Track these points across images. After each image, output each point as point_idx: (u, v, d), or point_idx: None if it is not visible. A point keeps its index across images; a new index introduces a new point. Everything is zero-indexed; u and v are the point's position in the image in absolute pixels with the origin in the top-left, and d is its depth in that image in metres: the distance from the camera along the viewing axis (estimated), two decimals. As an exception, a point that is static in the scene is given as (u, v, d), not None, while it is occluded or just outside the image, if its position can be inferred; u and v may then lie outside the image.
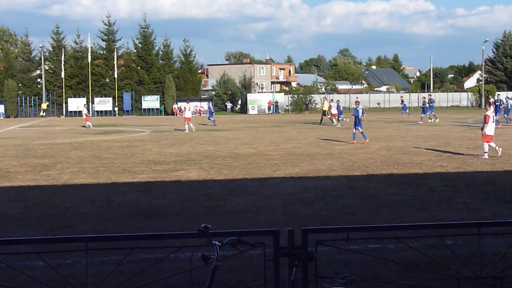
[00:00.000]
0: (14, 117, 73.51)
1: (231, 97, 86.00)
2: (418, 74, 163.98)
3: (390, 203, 12.16)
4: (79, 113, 75.27)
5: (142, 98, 78.27)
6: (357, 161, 19.38)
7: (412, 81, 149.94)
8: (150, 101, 78.09)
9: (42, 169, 18.32)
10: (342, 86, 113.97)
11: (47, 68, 79.83)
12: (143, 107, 78.24)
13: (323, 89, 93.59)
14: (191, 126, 38.57)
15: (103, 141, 30.85)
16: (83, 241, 4.12)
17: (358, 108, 28.39)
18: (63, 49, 78.02)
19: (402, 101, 59.75)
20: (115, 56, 78.28)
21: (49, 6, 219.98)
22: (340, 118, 43.81)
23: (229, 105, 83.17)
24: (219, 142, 28.56)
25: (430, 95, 50.35)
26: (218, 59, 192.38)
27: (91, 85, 77.37)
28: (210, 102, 59.56)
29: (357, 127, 27.49)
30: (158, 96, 78.16)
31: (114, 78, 78.21)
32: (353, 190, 13.76)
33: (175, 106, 76.22)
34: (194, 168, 18.17)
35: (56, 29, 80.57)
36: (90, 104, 74.21)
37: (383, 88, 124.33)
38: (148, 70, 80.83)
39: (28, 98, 77.01)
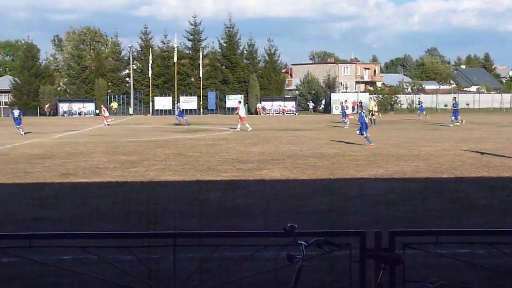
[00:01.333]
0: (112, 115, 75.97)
1: (315, 97, 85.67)
2: (511, 73, 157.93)
3: (480, 207, 11.78)
4: (165, 111, 77.15)
5: (226, 97, 79.20)
6: (445, 163, 18.88)
7: (504, 81, 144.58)
8: (234, 100, 78.80)
9: (129, 166, 18.84)
10: (429, 86, 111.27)
11: (135, 67, 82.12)
12: (227, 106, 79.14)
13: (409, 89, 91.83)
14: (246, 126, 38.62)
15: (188, 139, 31.41)
16: (171, 237, 4.20)
17: (362, 113, 28.28)
18: (150, 49, 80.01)
19: (420, 102, 61.11)
20: (201, 56, 79.59)
21: (138, 7, 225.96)
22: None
23: (311, 104, 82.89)
24: (302, 142, 28.52)
25: (455, 98, 48.55)
26: (302, 59, 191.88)
27: (176, 84, 78.98)
28: (179, 103, 60.20)
29: (362, 132, 27.04)
30: (242, 95, 78.85)
31: (199, 77, 79.53)
32: (440, 193, 13.41)
33: (258, 105, 76.74)
34: (278, 168, 18.21)
35: (144, 30, 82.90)
36: (176, 103, 75.75)
37: (473, 88, 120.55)
38: (233, 70, 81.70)
39: (117, 96, 79.41)
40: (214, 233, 4.37)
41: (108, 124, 48.58)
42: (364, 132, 26.96)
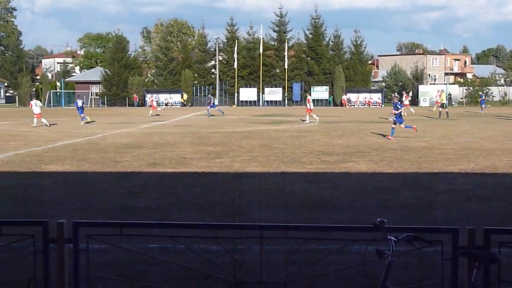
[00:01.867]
0: (190, 106, 77.34)
1: (402, 89, 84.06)
2: None
3: None
4: (250, 102, 77.73)
5: (311, 88, 78.94)
6: (540, 158, 18.09)
7: None
8: (319, 92, 78.56)
9: (215, 157, 19.08)
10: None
11: (221, 58, 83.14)
12: (312, 98, 78.82)
13: (502, 81, 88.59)
14: (314, 117, 38.97)
15: (273, 130, 31.50)
16: (259, 229, 4.20)
17: (397, 104, 27.82)
18: (236, 40, 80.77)
19: (481, 96, 58.98)
20: (286, 47, 79.66)
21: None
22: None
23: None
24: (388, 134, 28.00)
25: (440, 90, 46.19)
26: (389, 50, 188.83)
27: (262, 75, 79.36)
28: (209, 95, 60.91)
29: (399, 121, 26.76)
30: (327, 87, 78.40)
31: (284, 68, 79.63)
32: (536, 189, 12.86)
33: (344, 97, 76.06)
34: (364, 160, 17.98)
35: (230, 21, 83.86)
36: (261, 94, 76.24)
37: None
38: (318, 61, 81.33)
39: (202, 87, 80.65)
40: (302, 226, 4.34)
41: (155, 115, 49.50)
42: (399, 123, 26.78)
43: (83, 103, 41.86)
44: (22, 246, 7.60)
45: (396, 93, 47.70)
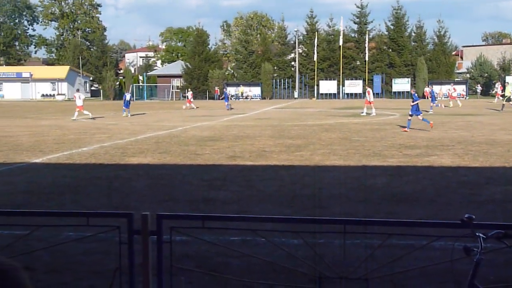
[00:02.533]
0: (269, 99, 77.63)
1: (487, 80, 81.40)
2: None
3: None
4: (330, 95, 77.29)
5: (393, 80, 77.67)
6: None
7: None
8: (401, 84, 77.18)
9: (295, 150, 19.06)
10: None
11: (300, 51, 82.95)
12: (393, 90, 77.68)
13: None
14: (372, 111, 38.88)
15: (353, 123, 31.20)
16: (341, 223, 4.15)
17: (415, 95, 27.77)
18: (316, 33, 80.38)
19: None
20: (367, 39, 78.64)
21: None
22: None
23: (479, 88, 78.81)
24: (473, 127, 27.24)
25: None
26: (474, 40, 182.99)
27: (342, 67, 78.70)
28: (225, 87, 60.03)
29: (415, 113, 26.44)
30: (409, 79, 76.90)
31: (365, 60, 78.64)
32: None
33: (426, 89, 74.28)
34: (447, 154, 17.54)
35: (310, 13, 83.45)
36: (341, 86, 75.74)
37: None
38: (400, 53, 79.88)
39: (282, 80, 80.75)
40: (386, 221, 4.26)
41: (189, 108, 49.53)
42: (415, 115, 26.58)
43: (130, 97, 44.31)
44: (109, 237, 7.87)
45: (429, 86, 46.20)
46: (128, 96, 42.79)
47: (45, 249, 7.51)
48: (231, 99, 68.69)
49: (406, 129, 25.57)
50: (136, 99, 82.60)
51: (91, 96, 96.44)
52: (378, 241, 7.60)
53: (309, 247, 4.59)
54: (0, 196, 11.82)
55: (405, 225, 4.28)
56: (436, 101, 42.30)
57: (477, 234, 3.87)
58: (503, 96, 42.90)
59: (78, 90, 44.04)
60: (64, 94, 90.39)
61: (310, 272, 4.77)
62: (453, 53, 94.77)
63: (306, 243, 4.61)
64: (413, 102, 27.07)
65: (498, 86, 45.28)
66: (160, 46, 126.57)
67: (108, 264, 6.99)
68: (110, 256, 7.35)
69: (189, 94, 55.49)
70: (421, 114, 27.04)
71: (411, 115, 26.42)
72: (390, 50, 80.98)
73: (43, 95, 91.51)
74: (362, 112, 39.58)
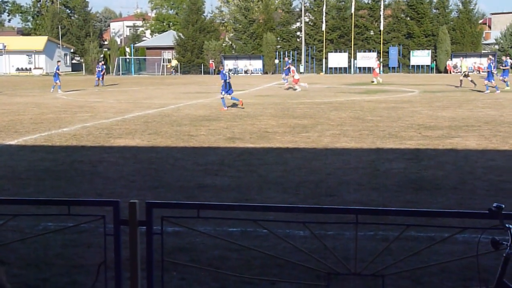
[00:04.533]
0: (272, 74, 77.47)
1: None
2: None
3: None
4: (341, 69, 77.13)
5: (411, 53, 77.40)
6: None
7: None
8: (420, 57, 76.93)
9: (301, 131, 19.06)
10: None
11: (307, 20, 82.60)
12: (411, 64, 77.45)
13: None
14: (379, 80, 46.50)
15: (366, 101, 31.16)
16: (353, 213, 4.13)
17: (490, 64, 28.87)
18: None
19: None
20: (382, 5, 78.28)
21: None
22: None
23: (508, 61, 78.48)
24: (503, 106, 27.21)
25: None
26: (504, 7, 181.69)
27: (353, 38, 78.46)
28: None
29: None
30: (430, 51, 76.65)
31: (380, 30, 78.36)
32: None
33: (449, 62, 74.18)
34: (473, 135, 17.53)
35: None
36: (353, 60, 75.60)
37: None
38: (419, 21, 79.53)
39: (286, 53, 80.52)
40: (401, 210, 4.25)
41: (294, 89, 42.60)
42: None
43: (103, 68, 50.86)
44: (92, 228, 7.88)
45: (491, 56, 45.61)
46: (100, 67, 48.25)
47: (22, 241, 7.53)
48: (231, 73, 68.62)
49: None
50: (122, 73, 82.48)
51: (72, 70, 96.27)
52: (394, 233, 7.63)
53: (317, 239, 4.57)
54: (-30, 182, 11.84)
55: (424, 216, 4.27)
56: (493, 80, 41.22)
57: (506, 225, 3.86)
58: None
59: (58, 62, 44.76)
60: (41, 68, 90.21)
61: (318, 267, 4.77)
62: (480, 21, 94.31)
63: (313, 235, 4.60)
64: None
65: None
66: (149, 14, 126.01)
67: (92, 258, 7.00)
68: (94, 249, 7.37)
69: (293, 70, 45.97)
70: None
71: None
72: (408, 18, 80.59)
73: (18, 69, 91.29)
74: (373, 81, 44.54)
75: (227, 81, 26.58)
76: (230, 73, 32.99)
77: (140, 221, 4.15)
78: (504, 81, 38.51)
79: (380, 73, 49.00)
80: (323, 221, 6.45)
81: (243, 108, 26.48)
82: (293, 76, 41.56)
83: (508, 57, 42.16)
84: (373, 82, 50.01)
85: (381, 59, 76.54)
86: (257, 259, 6.95)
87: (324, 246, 4.59)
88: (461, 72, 44.95)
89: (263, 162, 13.66)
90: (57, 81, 41.99)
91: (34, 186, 11.31)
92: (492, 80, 35.93)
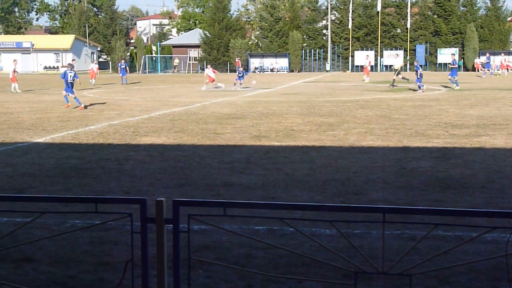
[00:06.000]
0: (298, 72, 77.37)
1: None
2: None
3: None
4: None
5: (438, 51, 76.90)
6: None
7: None
8: (447, 55, 76.24)
9: (327, 129, 19.00)
10: None
11: (333, 18, 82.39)
12: (438, 62, 76.92)
13: None
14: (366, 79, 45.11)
15: (393, 99, 30.99)
16: (381, 212, 4.11)
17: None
18: (351, -3, 79.70)
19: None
20: (409, 4, 77.85)
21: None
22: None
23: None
24: (531, 104, 26.92)
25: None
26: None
27: (380, 36, 78.08)
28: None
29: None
30: (457, 48, 76.04)
31: (407, 28, 77.98)
32: None
33: (477, 60, 73.46)
34: (501, 134, 17.36)
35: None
36: (379, 58, 75.19)
37: None
38: (447, 19, 78.96)
39: (312, 51, 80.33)
40: (429, 209, 4.22)
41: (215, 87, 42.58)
42: None
43: (125, 65, 53.77)
44: (119, 225, 7.93)
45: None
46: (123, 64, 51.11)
47: (49, 238, 7.60)
48: (255, 71, 68.67)
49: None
50: (149, 71, 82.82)
51: (99, 69, 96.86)
52: (421, 232, 7.58)
53: (344, 238, 4.56)
54: (-1, 179, 11.96)
55: (452, 215, 4.22)
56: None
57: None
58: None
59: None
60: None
61: (345, 266, 4.75)
62: (509, 19, 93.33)
63: (340, 233, 4.58)
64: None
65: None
66: (175, 13, 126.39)
67: (119, 256, 7.04)
68: (120, 247, 7.41)
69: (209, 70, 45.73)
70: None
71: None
72: (436, 16, 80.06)
73: (45, 67, 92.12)
74: (393, 82, 42.63)
75: (69, 81, 27.38)
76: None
77: (166, 219, 4.15)
78: None
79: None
80: (349, 220, 6.42)
81: (81, 111, 26.02)
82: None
83: None
84: (364, 81, 50.00)
85: (408, 57, 76.15)
86: (283, 258, 6.93)
87: (351, 244, 4.57)
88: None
89: (289, 160, 13.64)
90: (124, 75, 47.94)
91: (61, 184, 11.39)
92: None
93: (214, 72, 43.81)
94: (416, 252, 6.75)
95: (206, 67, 47.30)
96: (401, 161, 13.37)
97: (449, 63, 39.34)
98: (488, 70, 58.76)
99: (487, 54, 64.72)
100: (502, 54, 67.90)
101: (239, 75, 43.22)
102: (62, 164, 13.48)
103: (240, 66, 48.68)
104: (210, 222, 5.23)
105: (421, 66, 40.60)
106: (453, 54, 42.23)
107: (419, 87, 35.89)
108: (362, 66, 76.54)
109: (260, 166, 13.00)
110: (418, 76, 36.06)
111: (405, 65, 76.22)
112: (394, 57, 43.27)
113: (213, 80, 42.49)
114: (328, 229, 7.87)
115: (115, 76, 68.23)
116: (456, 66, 41.34)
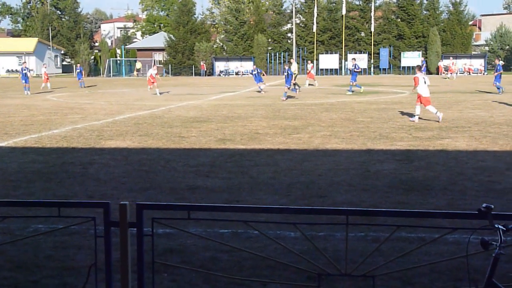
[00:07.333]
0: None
1: (509, 53, 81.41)
2: None
3: None
4: (331, 71, 77.15)
5: (402, 54, 77.62)
6: None
7: None
8: (410, 58, 77.12)
9: (292, 132, 19.07)
10: None
11: (298, 21, 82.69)
12: (402, 65, 77.67)
13: None
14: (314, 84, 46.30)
15: (357, 102, 31.20)
16: (344, 214, 4.15)
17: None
18: (315, 1, 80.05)
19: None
20: (373, 7, 78.49)
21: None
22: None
23: (500, 63, 78.68)
24: (493, 107, 27.32)
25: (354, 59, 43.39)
26: (494, 8, 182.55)
27: (344, 40, 78.57)
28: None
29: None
30: (420, 52, 76.86)
31: (371, 32, 78.53)
32: None
33: (440, 63, 74.37)
34: (463, 136, 17.59)
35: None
36: (343, 61, 75.66)
37: None
38: (410, 23, 79.80)
39: (277, 54, 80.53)
40: (392, 211, 4.26)
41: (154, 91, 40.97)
42: None
43: (81, 69, 55.20)
44: (83, 230, 7.87)
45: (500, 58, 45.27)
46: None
47: (12, 243, 7.50)
48: (220, 74, 68.43)
49: None
50: (113, 75, 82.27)
51: (63, 72, 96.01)
52: (385, 233, 7.66)
53: (308, 240, 4.59)
54: (-40, 184, 11.79)
55: (415, 216, 4.28)
56: None
57: (496, 226, 3.87)
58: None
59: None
60: (32, 70, 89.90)
61: (309, 268, 4.78)
62: (470, 23, 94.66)
63: (304, 236, 4.61)
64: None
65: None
66: (140, 16, 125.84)
67: (82, 260, 6.99)
68: (84, 251, 7.35)
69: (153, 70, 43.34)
70: None
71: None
72: (399, 19, 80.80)
73: (8, 71, 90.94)
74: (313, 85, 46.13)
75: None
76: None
77: (130, 223, 4.15)
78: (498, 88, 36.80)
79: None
80: (314, 222, 6.46)
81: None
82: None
83: (500, 60, 41.38)
84: (311, 85, 49.07)
85: (372, 60, 76.81)
86: (248, 260, 6.95)
87: (315, 247, 4.60)
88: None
89: (254, 164, 13.66)
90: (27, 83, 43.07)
91: (24, 188, 11.27)
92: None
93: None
94: (379, 254, 6.82)
95: (152, 67, 45.50)
96: (365, 164, 13.47)
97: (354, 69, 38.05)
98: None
99: (450, 58, 65.62)
100: (451, 58, 68.78)
101: (255, 75, 40.75)
102: (25, 168, 13.33)
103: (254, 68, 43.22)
104: (174, 226, 5.22)
105: (384, 69, 40.55)
106: (354, 59, 41.95)
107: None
108: (327, 69, 77.23)
109: (225, 169, 13.00)
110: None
111: (369, 68, 76.89)
112: (351, 62, 43.02)
113: (153, 83, 41.06)
114: (293, 232, 7.90)
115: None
116: (359, 70, 41.11)
